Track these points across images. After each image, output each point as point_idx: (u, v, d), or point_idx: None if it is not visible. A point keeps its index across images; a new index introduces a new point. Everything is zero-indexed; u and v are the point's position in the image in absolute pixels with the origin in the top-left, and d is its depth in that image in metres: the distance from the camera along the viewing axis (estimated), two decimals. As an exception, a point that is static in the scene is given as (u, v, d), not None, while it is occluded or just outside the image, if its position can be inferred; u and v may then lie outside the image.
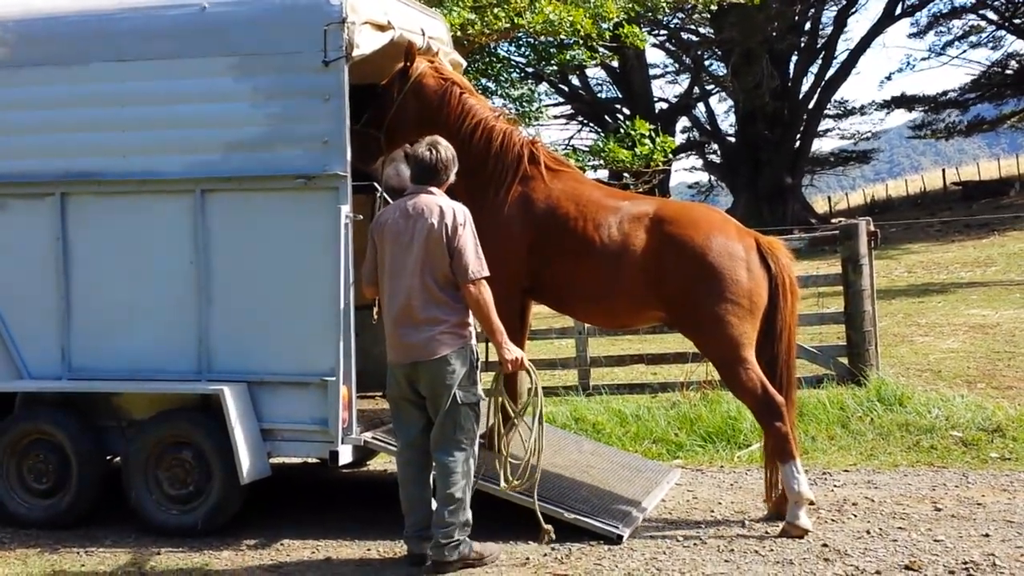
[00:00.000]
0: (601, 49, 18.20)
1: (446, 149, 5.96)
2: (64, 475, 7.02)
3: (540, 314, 13.06)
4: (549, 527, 6.19)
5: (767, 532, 6.48)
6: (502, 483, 6.19)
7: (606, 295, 6.67)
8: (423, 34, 7.52)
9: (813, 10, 39.51)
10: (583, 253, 6.63)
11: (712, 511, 7.07)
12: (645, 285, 6.58)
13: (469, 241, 5.76)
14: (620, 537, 6.34)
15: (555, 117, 38.46)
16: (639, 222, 6.64)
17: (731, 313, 6.46)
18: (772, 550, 6.11)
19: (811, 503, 6.56)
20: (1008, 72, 43.25)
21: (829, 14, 41.05)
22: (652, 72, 41.00)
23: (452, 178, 6.01)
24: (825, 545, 6.15)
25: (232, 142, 6.80)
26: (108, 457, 7.25)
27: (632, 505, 6.84)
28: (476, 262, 5.76)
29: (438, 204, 5.82)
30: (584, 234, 6.64)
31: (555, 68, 21.65)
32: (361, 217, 6.77)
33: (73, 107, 7.06)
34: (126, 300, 6.99)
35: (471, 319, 5.93)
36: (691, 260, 6.48)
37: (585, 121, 40.28)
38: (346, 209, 6.55)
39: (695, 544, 6.31)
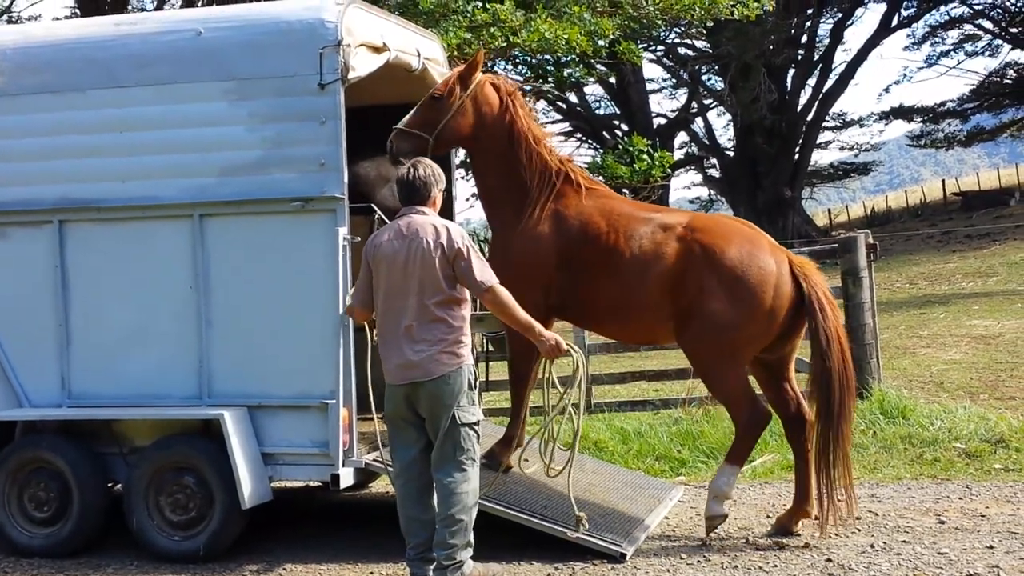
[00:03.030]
0: (598, 66, 18.23)
1: (427, 167, 5.98)
2: (65, 503, 6.99)
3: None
4: (582, 514, 6.33)
5: (771, 548, 6.45)
6: (543, 470, 6.39)
7: (634, 308, 6.68)
8: (419, 55, 7.55)
9: (809, 23, 39.59)
10: (613, 265, 6.67)
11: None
12: (668, 294, 6.58)
13: (473, 256, 5.78)
14: (623, 555, 6.32)
15: (554, 134, 38.46)
16: (671, 232, 6.68)
17: (743, 328, 6.47)
18: (776, 566, 6.09)
19: (730, 500, 6.77)
20: (1007, 81, 43.32)
21: (826, 27, 41.19)
22: (649, 87, 41.05)
23: (439, 195, 6.03)
24: (829, 560, 6.13)
25: (229, 166, 6.81)
26: (109, 484, 7.23)
27: (635, 523, 6.82)
28: (484, 272, 5.79)
29: (432, 224, 5.82)
30: (615, 246, 6.69)
31: (552, 85, 21.65)
32: (359, 239, 6.77)
33: (70, 134, 7.07)
34: (126, 326, 6.99)
35: (468, 338, 5.93)
36: (720, 270, 6.49)
37: (583, 138, 40.31)
38: (344, 231, 6.56)
39: (699, 561, 6.29)
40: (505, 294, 5.82)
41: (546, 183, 6.89)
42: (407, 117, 6.81)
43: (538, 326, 5.92)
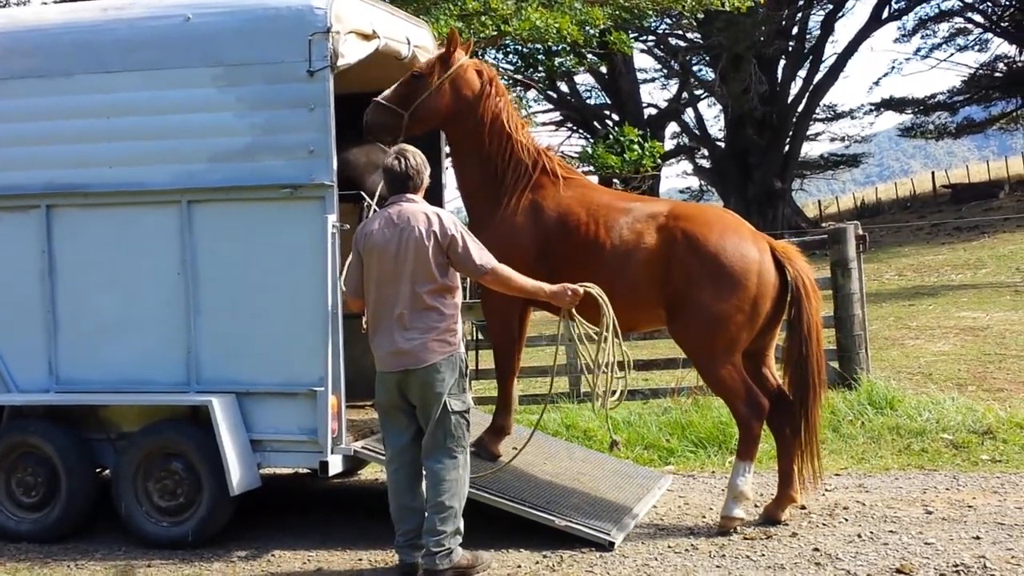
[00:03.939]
0: (589, 55, 18.22)
1: (414, 155, 5.97)
2: (53, 488, 6.98)
3: (531, 321, 13.03)
4: (617, 437, 6.44)
5: (759, 537, 6.46)
6: (598, 405, 6.42)
7: (615, 296, 6.65)
8: (408, 43, 7.52)
9: (800, 15, 39.59)
10: (594, 255, 6.65)
11: (704, 517, 7.06)
12: (653, 283, 6.59)
13: (467, 240, 5.78)
14: (612, 544, 6.32)
15: (544, 123, 38.39)
16: (652, 220, 6.68)
17: (731, 317, 6.47)
18: (763, 555, 6.10)
19: (749, 501, 6.71)
20: (996, 74, 43.38)
21: (816, 18, 41.15)
22: (640, 77, 40.99)
23: (426, 182, 6.02)
24: (816, 549, 6.15)
25: (218, 152, 6.78)
26: (97, 469, 7.21)
27: (623, 512, 6.82)
28: (481, 255, 5.82)
29: (423, 211, 5.82)
30: (595, 237, 6.67)
31: (543, 74, 21.65)
32: (348, 226, 6.76)
33: (58, 119, 7.04)
34: (113, 312, 6.97)
35: (460, 326, 5.93)
36: (703, 258, 6.49)
37: (574, 127, 40.24)
38: (333, 218, 6.55)
39: (687, 550, 6.30)
40: (505, 270, 5.87)
41: (523, 173, 6.87)
42: (387, 91, 6.81)
43: (546, 286, 5.97)
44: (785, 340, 6.79)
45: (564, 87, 37.92)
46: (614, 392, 6.34)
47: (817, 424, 6.77)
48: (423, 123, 6.91)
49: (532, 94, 31.45)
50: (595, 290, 6.18)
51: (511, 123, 6.94)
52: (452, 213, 6.16)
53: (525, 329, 7.16)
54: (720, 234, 6.56)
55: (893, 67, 47.78)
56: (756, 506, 7.04)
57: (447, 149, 7.95)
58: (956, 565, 5.74)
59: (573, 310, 6.23)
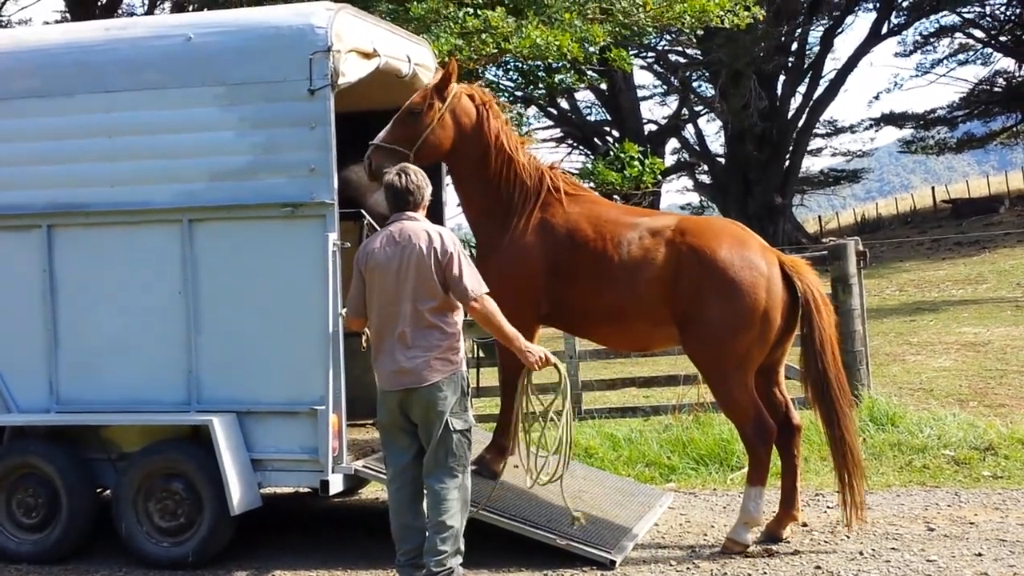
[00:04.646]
0: (589, 72, 18.26)
1: (415, 172, 5.98)
2: (53, 509, 6.97)
3: (538, 339, 13.02)
4: (579, 513, 6.29)
5: (761, 555, 6.45)
6: (528, 481, 6.27)
7: (626, 314, 6.65)
8: (409, 61, 7.54)
9: (800, 30, 39.66)
10: (602, 271, 6.63)
11: (705, 534, 7.05)
12: (663, 299, 6.55)
13: (463, 263, 5.77)
14: (613, 563, 6.31)
15: (544, 140, 38.49)
16: (660, 235, 6.66)
17: (742, 332, 6.45)
18: (765, 573, 6.10)
19: (759, 527, 6.67)
20: (996, 89, 43.44)
21: (816, 34, 41.22)
22: (640, 94, 41.04)
23: (427, 199, 6.01)
24: (818, 567, 6.14)
25: (219, 171, 6.80)
26: (98, 490, 7.20)
27: (624, 530, 6.81)
28: (474, 281, 5.78)
29: (424, 230, 5.82)
30: (603, 252, 6.66)
31: (543, 91, 21.67)
32: (349, 244, 6.77)
33: (60, 139, 7.05)
34: (114, 331, 6.97)
35: (462, 345, 5.92)
36: (712, 273, 6.46)
37: (574, 144, 40.29)
38: (333, 237, 6.55)
39: (688, 568, 6.28)
40: (492, 305, 5.81)
41: (530, 193, 6.86)
42: (384, 133, 6.71)
43: (522, 339, 5.91)
44: (801, 356, 6.73)
45: (564, 104, 37.97)
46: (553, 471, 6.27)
47: (853, 442, 6.59)
48: (427, 158, 6.78)
49: (532, 111, 31.56)
50: (561, 369, 6.15)
51: (511, 144, 6.93)
52: (453, 231, 6.16)
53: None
54: (728, 248, 6.54)
55: (895, 82, 47.80)
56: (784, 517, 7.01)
57: (446, 167, 7.94)
58: (959, 583, 5.73)
59: (531, 386, 6.24)
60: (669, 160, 41.78)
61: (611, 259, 6.65)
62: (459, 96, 6.84)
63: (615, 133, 36.68)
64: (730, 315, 6.42)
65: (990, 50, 42.88)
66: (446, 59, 6.94)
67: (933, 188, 52.58)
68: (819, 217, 55.65)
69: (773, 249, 6.84)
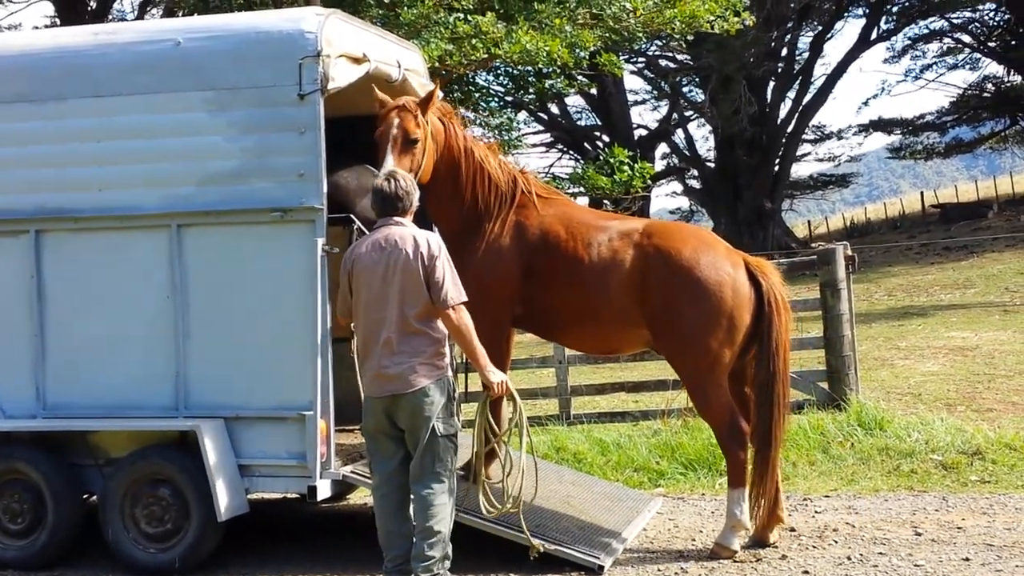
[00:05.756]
0: (579, 77, 18.27)
1: (404, 178, 5.98)
2: (39, 514, 6.94)
3: (521, 343, 13.04)
4: (538, 542, 6.22)
5: (749, 560, 6.46)
6: (484, 510, 6.17)
7: (595, 315, 6.68)
8: (399, 66, 7.54)
9: (789, 36, 39.77)
10: (573, 272, 6.67)
11: (694, 539, 7.05)
12: (631, 300, 6.60)
13: (446, 269, 5.77)
14: (601, 568, 6.31)
15: (534, 145, 38.53)
16: (628, 238, 6.72)
17: (710, 332, 6.50)
18: (753, 578, 6.10)
19: (747, 531, 6.66)
20: (985, 95, 43.62)
21: (805, 40, 41.37)
22: (631, 99, 41.12)
23: (415, 204, 6.00)
24: (806, 572, 6.15)
25: (208, 176, 6.79)
26: (85, 495, 7.17)
27: (613, 535, 6.81)
28: (454, 288, 5.77)
29: (411, 235, 5.82)
30: (574, 254, 6.70)
31: (533, 96, 21.72)
32: (337, 250, 6.75)
33: (49, 143, 7.04)
34: (102, 336, 6.95)
35: (448, 350, 5.92)
36: (677, 273, 6.52)
37: (564, 149, 40.39)
38: (322, 242, 6.55)
39: (676, 573, 6.29)
40: (466, 318, 5.78)
41: (503, 199, 6.88)
42: (391, 159, 6.44)
43: (488, 360, 5.88)
44: (754, 356, 6.75)
45: (554, 108, 38.05)
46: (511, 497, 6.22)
47: (778, 451, 6.69)
48: (420, 183, 6.64)
49: (523, 115, 31.58)
50: (518, 401, 6.11)
51: (479, 153, 6.94)
52: (439, 236, 6.16)
53: (510, 351, 7.11)
54: (693, 248, 6.61)
55: (884, 87, 47.99)
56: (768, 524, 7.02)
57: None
58: (946, 588, 5.74)
59: (489, 411, 6.20)
60: (659, 165, 41.90)
61: (582, 260, 6.70)
62: (431, 116, 6.81)
63: (605, 138, 36.78)
64: (697, 315, 6.48)
65: (979, 55, 43.06)
66: (436, 64, 6.89)
67: (922, 193, 52.79)
68: (808, 222, 55.77)
69: (739, 251, 6.91)
